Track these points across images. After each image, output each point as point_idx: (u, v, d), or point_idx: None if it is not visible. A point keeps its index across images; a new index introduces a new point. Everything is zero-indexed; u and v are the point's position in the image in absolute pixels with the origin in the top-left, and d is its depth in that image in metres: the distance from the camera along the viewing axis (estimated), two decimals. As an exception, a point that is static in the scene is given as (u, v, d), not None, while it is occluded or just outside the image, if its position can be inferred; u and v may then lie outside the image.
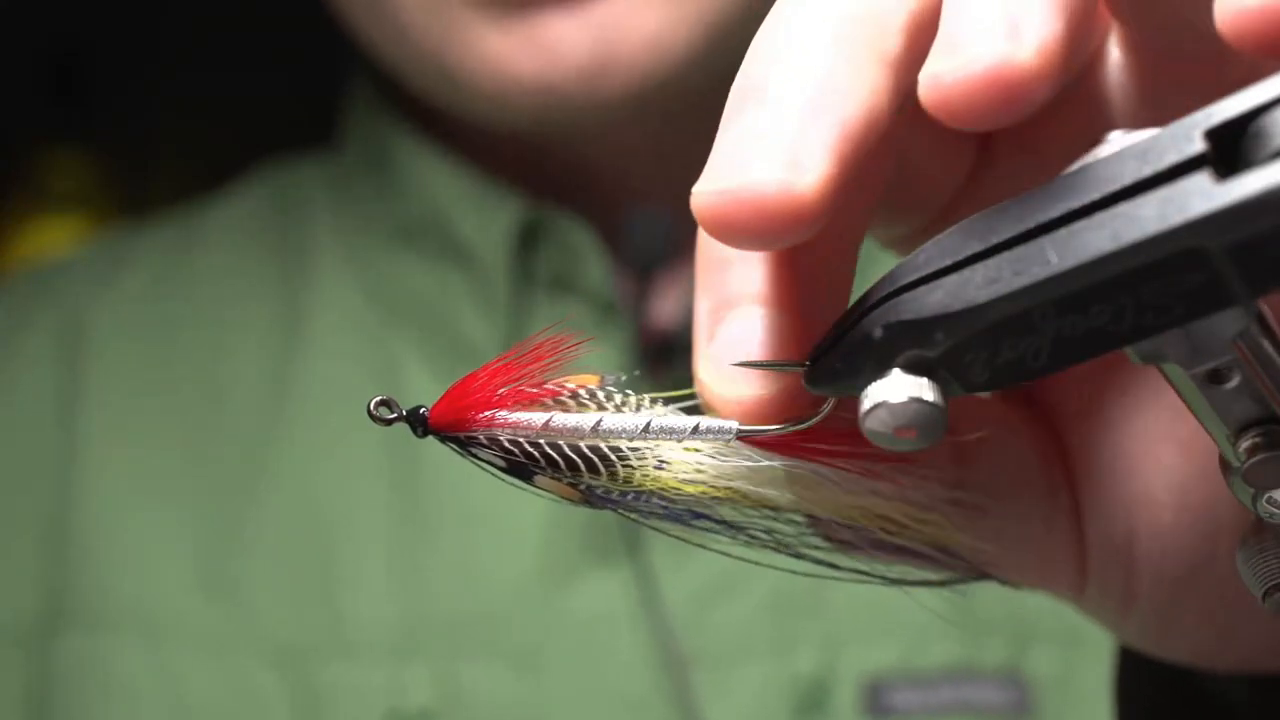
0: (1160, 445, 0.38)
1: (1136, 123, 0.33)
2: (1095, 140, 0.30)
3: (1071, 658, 0.70)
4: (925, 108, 0.29)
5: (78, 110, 1.52)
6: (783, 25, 0.31)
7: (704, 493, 0.34)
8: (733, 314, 0.33)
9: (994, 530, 0.37)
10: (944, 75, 0.28)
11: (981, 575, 0.37)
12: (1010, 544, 0.38)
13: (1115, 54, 0.35)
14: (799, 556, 0.35)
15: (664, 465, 0.34)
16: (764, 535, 0.35)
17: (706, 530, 0.35)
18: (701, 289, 0.34)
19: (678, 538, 0.35)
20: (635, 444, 0.34)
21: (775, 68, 0.31)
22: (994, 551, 0.38)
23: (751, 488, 0.34)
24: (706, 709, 0.68)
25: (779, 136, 0.29)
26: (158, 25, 1.44)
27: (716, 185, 0.30)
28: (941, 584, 0.37)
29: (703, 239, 0.34)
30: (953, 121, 0.29)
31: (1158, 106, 0.34)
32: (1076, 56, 0.32)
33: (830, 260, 0.34)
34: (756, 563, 0.36)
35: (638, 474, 0.34)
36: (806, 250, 0.33)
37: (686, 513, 0.35)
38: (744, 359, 0.32)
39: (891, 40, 0.31)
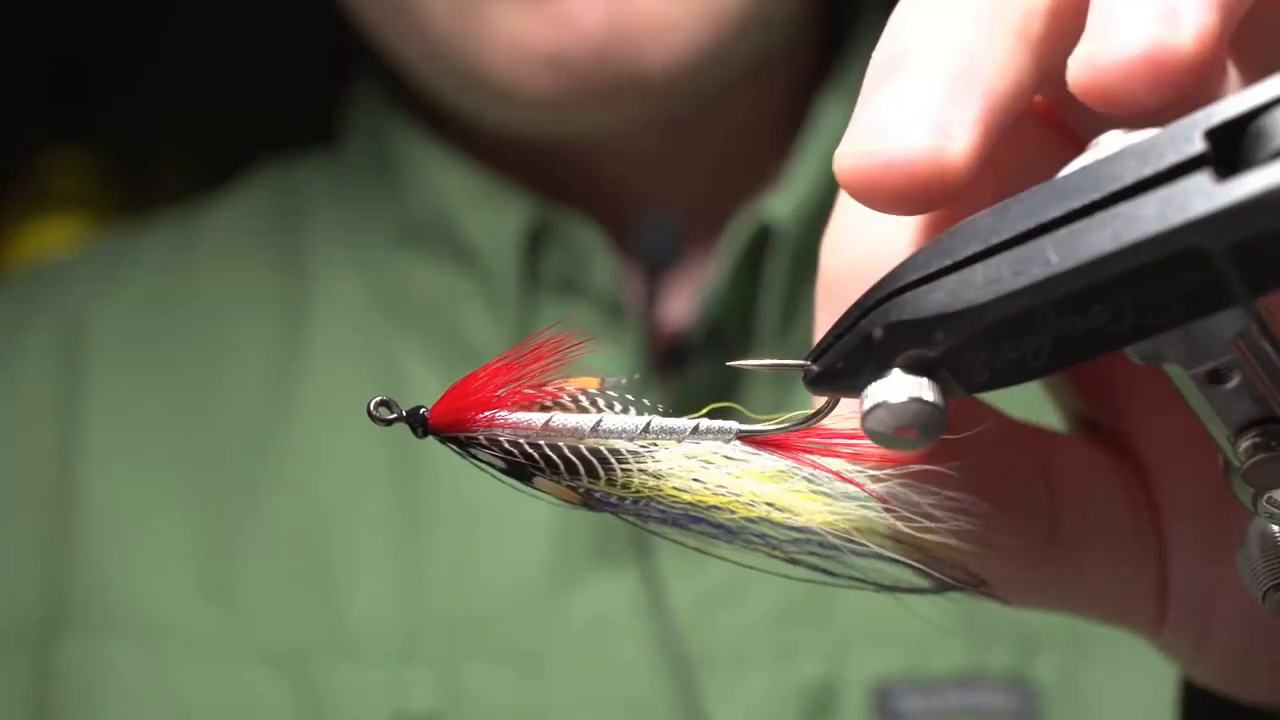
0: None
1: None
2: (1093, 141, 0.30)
3: (1078, 663, 0.70)
4: (1075, 91, 0.29)
5: (78, 110, 1.52)
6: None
7: (700, 500, 0.34)
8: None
9: (1077, 567, 0.38)
10: (1099, 56, 0.29)
11: (976, 585, 0.37)
12: (1096, 585, 0.39)
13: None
14: (795, 562, 0.35)
15: (663, 473, 0.34)
16: (758, 540, 0.35)
17: (704, 535, 0.35)
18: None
19: (676, 541, 0.35)
20: (635, 446, 0.34)
21: (922, 37, 0.31)
22: (1074, 586, 0.38)
23: (749, 497, 0.34)
24: (712, 714, 0.68)
25: (930, 104, 0.30)
26: (158, 25, 1.44)
27: (865, 147, 0.30)
28: (936, 592, 0.37)
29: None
30: (1103, 104, 0.29)
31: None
32: (1224, 49, 0.32)
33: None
34: (753, 568, 0.36)
35: (636, 479, 0.34)
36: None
37: (684, 517, 0.35)
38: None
39: (1036, 21, 0.32)
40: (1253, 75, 0.34)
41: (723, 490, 0.34)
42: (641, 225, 0.72)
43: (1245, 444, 0.32)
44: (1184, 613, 0.40)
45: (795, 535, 0.35)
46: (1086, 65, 0.29)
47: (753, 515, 0.34)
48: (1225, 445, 0.33)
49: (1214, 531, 0.39)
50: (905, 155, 0.30)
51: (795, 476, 0.34)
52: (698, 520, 0.35)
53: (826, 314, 0.36)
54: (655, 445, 0.35)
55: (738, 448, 0.34)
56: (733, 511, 0.34)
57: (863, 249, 0.36)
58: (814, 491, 0.34)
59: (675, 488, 0.34)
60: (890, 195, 0.30)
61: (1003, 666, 0.69)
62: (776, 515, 0.34)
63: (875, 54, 0.32)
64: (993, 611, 0.70)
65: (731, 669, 0.69)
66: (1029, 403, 0.43)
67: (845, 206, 0.37)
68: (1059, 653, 0.70)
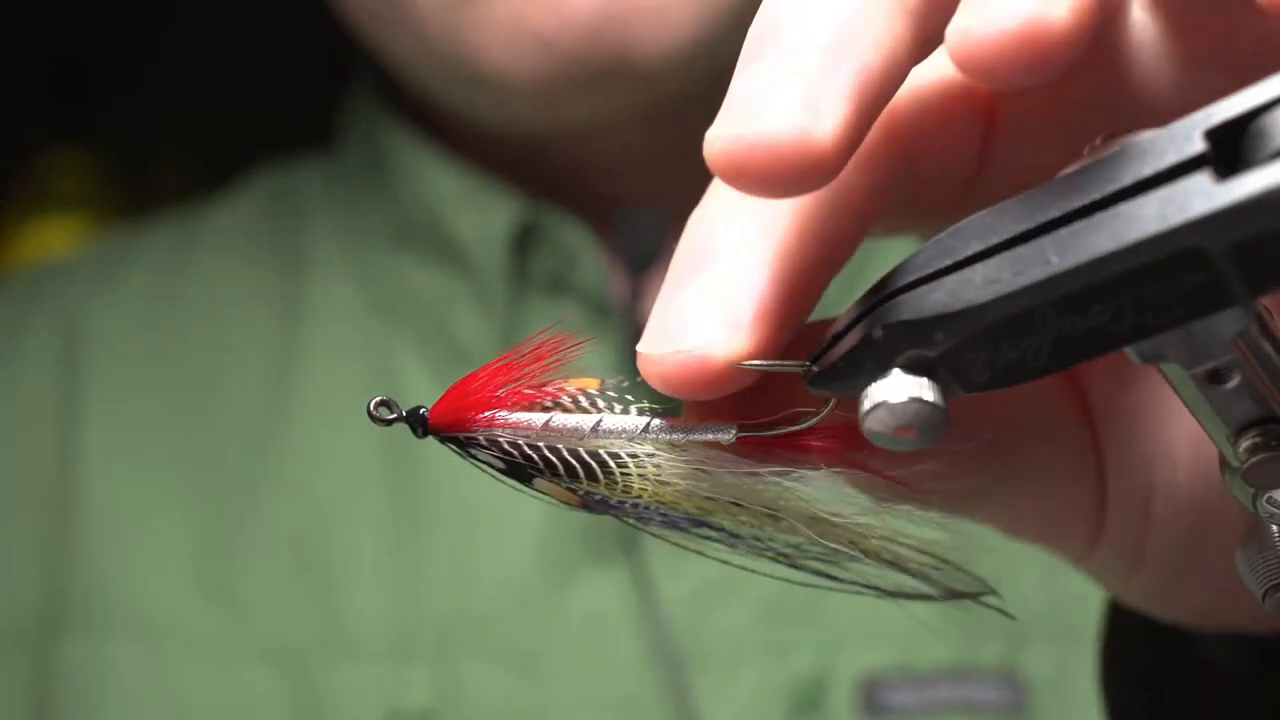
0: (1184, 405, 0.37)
1: (1150, 96, 0.33)
2: (1095, 140, 0.30)
3: (1067, 657, 0.70)
4: (953, 62, 0.29)
5: (78, 111, 1.52)
6: None
7: (700, 506, 0.34)
8: (710, 267, 0.32)
9: (1016, 484, 0.37)
10: (974, 30, 0.28)
11: (977, 593, 0.37)
12: (1029, 499, 0.38)
13: (1137, 18, 0.34)
14: (796, 566, 0.35)
15: (663, 478, 0.34)
16: (759, 544, 0.35)
17: (704, 538, 0.35)
18: (680, 250, 0.34)
19: (676, 544, 0.35)
20: (635, 447, 0.34)
21: (793, 12, 0.30)
22: (1014, 504, 0.38)
23: (749, 500, 0.34)
24: (703, 710, 0.68)
25: (797, 81, 0.29)
26: (158, 25, 1.44)
27: (732, 130, 0.29)
28: (936, 598, 0.37)
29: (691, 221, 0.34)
30: (980, 78, 0.29)
31: (1175, 79, 0.34)
32: (1105, 17, 0.31)
33: (831, 232, 0.33)
34: (755, 571, 0.35)
35: (636, 483, 0.34)
36: (810, 216, 0.32)
37: (684, 520, 0.35)
38: (709, 311, 0.31)
39: None
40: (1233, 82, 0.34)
41: (722, 494, 0.34)
42: (627, 224, 0.72)
43: (1245, 444, 0.32)
44: (1119, 524, 0.38)
45: (795, 539, 0.35)
46: (961, 38, 0.28)
47: (753, 518, 0.34)
48: (1225, 445, 0.33)
49: (1148, 437, 0.38)
50: (770, 137, 0.28)
51: (795, 483, 0.34)
52: (699, 524, 0.35)
53: (666, 289, 0.34)
54: (655, 446, 0.34)
55: (738, 448, 0.34)
56: (733, 515, 0.34)
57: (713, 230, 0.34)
58: (812, 493, 0.34)
59: (675, 493, 0.34)
60: (759, 178, 0.29)
61: (992, 660, 0.69)
62: (776, 519, 0.34)
63: (751, 27, 0.31)
64: (982, 606, 0.70)
65: (723, 666, 0.69)
66: None
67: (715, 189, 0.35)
68: (1049, 646, 0.70)
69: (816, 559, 0.35)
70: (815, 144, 0.28)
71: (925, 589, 0.36)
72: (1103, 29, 0.33)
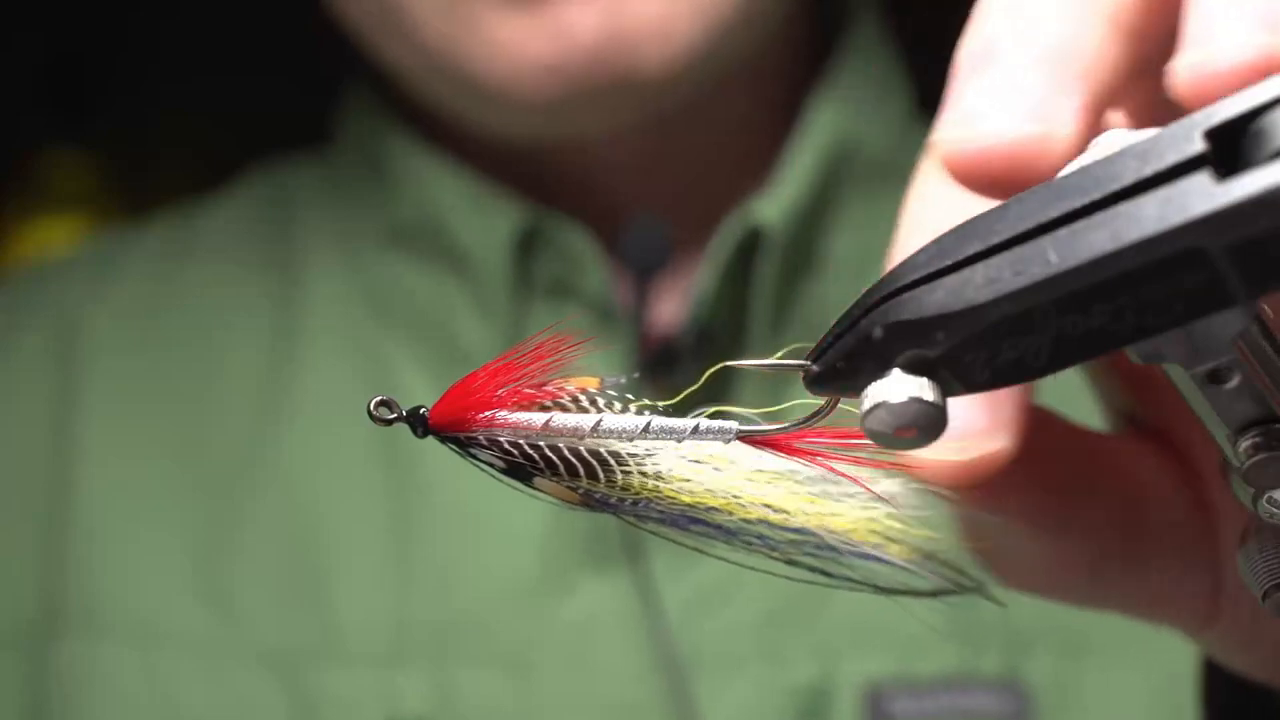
0: None
1: None
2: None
3: (1069, 666, 0.70)
4: (1177, 96, 0.30)
5: (78, 111, 1.52)
6: None
7: (700, 502, 0.34)
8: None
9: (1135, 567, 0.38)
10: (1206, 63, 0.29)
11: (973, 589, 0.37)
12: (1153, 586, 0.39)
13: None
14: (793, 563, 0.35)
15: (663, 475, 0.34)
16: (757, 541, 0.35)
17: (703, 535, 0.35)
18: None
19: (675, 542, 0.35)
20: (635, 446, 0.34)
21: (1013, 25, 0.32)
22: (1130, 586, 0.39)
23: (747, 499, 0.34)
24: (704, 717, 0.68)
25: (1032, 92, 0.31)
26: (158, 26, 1.44)
27: (967, 133, 0.31)
28: (933, 595, 0.37)
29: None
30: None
31: None
32: None
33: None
34: (753, 568, 0.36)
35: (636, 480, 0.34)
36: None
37: (683, 518, 0.35)
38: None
39: (1127, 11, 0.32)
40: None
41: (722, 492, 0.34)
42: (629, 230, 0.72)
43: (1245, 444, 0.32)
44: (1234, 610, 0.40)
45: (793, 536, 0.35)
46: (1193, 72, 0.30)
47: (751, 516, 0.34)
48: (1225, 445, 0.33)
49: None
50: (1010, 139, 0.31)
51: (794, 478, 0.34)
52: (697, 521, 0.35)
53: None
54: (655, 446, 0.35)
55: (737, 448, 0.34)
56: (731, 513, 0.34)
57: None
58: (812, 493, 0.34)
59: (674, 489, 0.34)
60: (990, 177, 0.31)
61: (994, 668, 0.69)
62: (774, 517, 0.34)
63: (965, 43, 0.33)
64: (984, 613, 0.70)
65: (723, 672, 0.69)
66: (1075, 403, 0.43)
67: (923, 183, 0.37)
68: (1050, 654, 0.70)
69: (813, 555, 0.35)
70: (1051, 147, 0.31)
71: (920, 586, 0.36)
72: None
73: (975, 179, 0.31)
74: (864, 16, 0.80)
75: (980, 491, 0.34)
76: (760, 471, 0.34)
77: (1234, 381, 0.32)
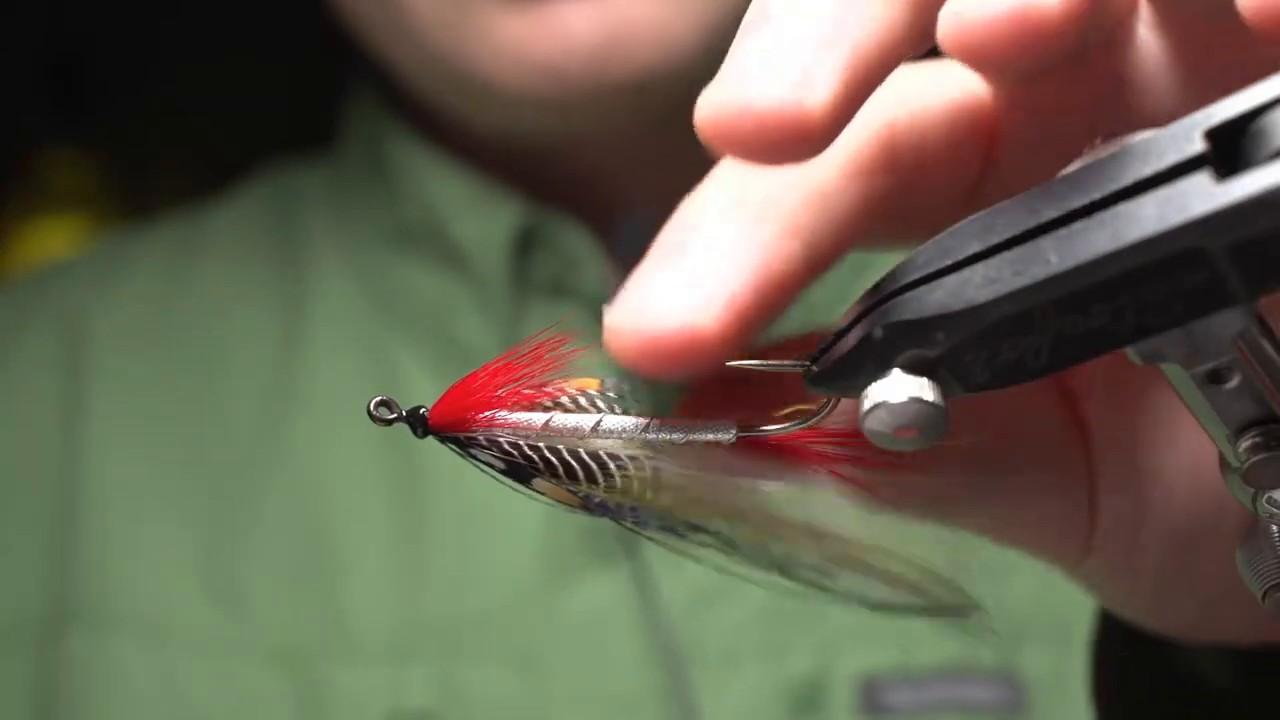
0: (1180, 423, 0.38)
1: (1158, 108, 0.33)
2: (1095, 140, 0.30)
3: (1064, 657, 0.70)
4: (943, 46, 0.29)
5: (78, 110, 1.52)
6: None
7: (698, 511, 0.34)
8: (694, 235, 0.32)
9: (1005, 495, 0.37)
10: (966, 12, 0.29)
11: (968, 611, 0.37)
12: (1021, 511, 0.38)
13: (1143, 35, 0.34)
14: (790, 576, 0.35)
15: (661, 483, 0.34)
16: (753, 552, 0.35)
17: (701, 544, 0.35)
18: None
19: (672, 550, 0.35)
20: (634, 450, 0.34)
21: None
22: (1002, 514, 0.38)
23: (746, 506, 0.34)
24: (704, 709, 0.68)
25: (791, 55, 0.29)
26: (159, 25, 1.44)
27: (723, 97, 0.30)
28: (926, 614, 0.37)
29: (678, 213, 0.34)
30: (968, 60, 0.29)
31: (1182, 93, 0.34)
32: (1102, 12, 0.32)
33: (817, 234, 0.33)
34: (747, 580, 0.35)
35: (635, 486, 0.34)
36: (797, 215, 0.33)
37: (681, 525, 0.35)
38: (680, 292, 0.31)
39: None
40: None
41: (720, 504, 0.34)
42: (628, 229, 0.72)
43: (1245, 444, 0.32)
44: (1110, 539, 0.39)
45: (788, 549, 0.35)
46: (953, 20, 0.29)
47: (748, 531, 0.34)
48: (1225, 445, 0.33)
49: (1143, 457, 0.38)
50: (762, 104, 0.29)
51: (791, 490, 0.34)
52: (696, 530, 0.35)
53: (646, 267, 0.34)
54: (654, 449, 0.35)
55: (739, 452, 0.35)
56: (729, 524, 0.34)
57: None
58: (808, 509, 0.34)
59: (674, 498, 0.34)
60: (747, 144, 0.29)
61: (990, 660, 0.70)
62: (766, 533, 0.34)
63: (750, 7, 0.31)
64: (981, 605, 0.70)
65: (722, 665, 0.69)
66: None
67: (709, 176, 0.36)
68: (1046, 645, 0.70)
69: (809, 569, 0.35)
70: (805, 112, 0.29)
71: (915, 603, 0.36)
72: (1104, 36, 0.33)
73: (727, 144, 0.30)
74: None
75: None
76: (758, 479, 0.34)
77: (1234, 381, 0.32)
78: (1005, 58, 0.29)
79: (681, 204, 0.33)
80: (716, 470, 0.34)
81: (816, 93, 0.29)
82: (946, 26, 0.29)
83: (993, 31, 0.28)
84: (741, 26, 0.31)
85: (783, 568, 0.35)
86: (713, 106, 0.30)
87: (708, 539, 0.35)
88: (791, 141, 0.29)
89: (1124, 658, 0.44)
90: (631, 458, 0.34)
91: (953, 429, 0.32)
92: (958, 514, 0.37)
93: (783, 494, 0.34)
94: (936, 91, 0.35)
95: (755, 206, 0.32)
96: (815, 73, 0.29)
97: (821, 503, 0.34)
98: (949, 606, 0.36)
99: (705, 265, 0.31)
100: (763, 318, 0.31)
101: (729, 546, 0.35)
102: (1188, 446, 0.38)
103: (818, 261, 0.32)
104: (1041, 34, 0.28)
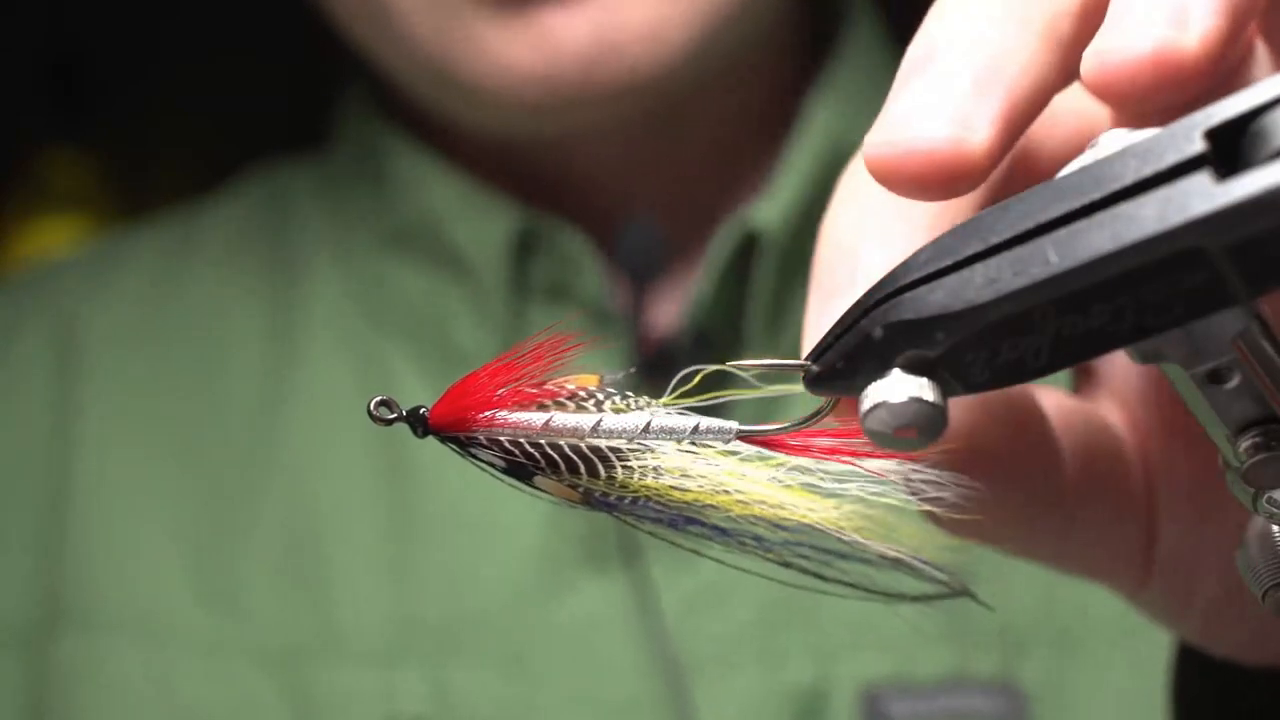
0: None
1: None
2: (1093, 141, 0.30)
3: (1065, 666, 0.70)
4: (1086, 84, 0.31)
5: (78, 110, 1.52)
6: None
7: (696, 499, 0.34)
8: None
9: (1072, 524, 0.38)
10: (1108, 53, 0.30)
11: (966, 592, 0.37)
12: (1087, 539, 0.39)
13: (1259, 72, 0.36)
14: (787, 565, 0.36)
15: (660, 471, 0.34)
16: (753, 543, 0.35)
17: (699, 536, 0.35)
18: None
19: (672, 542, 0.36)
20: (635, 445, 0.34)
21: (952, 34, 0.33)
22: (1066, 543, 0.39)
23: (743, 494, 0.34)
24: (701, 717, 0.68)
25: (953, 99, 0.32)
26: (159, 25, 1.44)
27: (890, 136, 0.32)
28: (925, 599, 0.37)
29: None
30: (1111, 99, 0.31)
31: None
32: (1235, 54, 0.34)
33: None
34: (748, 571, 0.36)
35: (635, 478, 0.34)
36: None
37: (680, 518, 0.35)
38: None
39: (1063, 21, 0.33)
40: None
41: (719, 488, 0.34)
42: (626, 233, 0.72)
43: (1245, 444, 0.32)
44: (1169, 570, 0.40)
45: (788, 537, 0.35)
46: (1096, 61, 0.31)
47: (748, 514, 0.34)
48: (1225, 445, 0.33)
49: (1204, 489, 0.39)
50: (928, 144, 0.31)
51: (791, 475, 0.34)
52: (693, 521, 0.35)
53: (816, 303, 0.37)
54: (654, 444, 0.35)
55: (737, 446, 0.35)
56: (728, 510, 0.34)
57: (856, 239, 0.37)
58: (808, 488, 0.34)
59: (672, 486, 0.34)
60: (914, 181, 0.32)
61: (990, 670, 0.69)
62: (770, 512, 0.34)
63: (910, 49, 0.34)
64: (980, 615, 0.70)
65: (720, 672, 0.69)
66: None
67: (842, 197, 0.39)
68: (1046, 655, 0.70)
69: (807, 558, 0.35)
70: (967, 153, 0.32)
71: (911, 590, 0.36)
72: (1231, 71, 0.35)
73: (895, 181, 0.32)
74: (859, 16, 0.80)
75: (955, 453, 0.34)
76: (758, 466, 0.34)
77: (1234, 381, 0.32)
78: (1146, 96, 0.30)
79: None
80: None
81: (977, 135, 0.32)
82: (1090, 67, 0.31)
83: (1135, 73, 0.30)
84: (905, 62, 0.34)
85: (781, 558, 0.36)
86: (881, 147, 0.32)
87: (706, 530, 0.35)
88: (954, 179, 0.32)
89: (1193, 679, 0.45)
90: (633, 450, 0.34)
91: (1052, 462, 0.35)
92: (1028, 549, 0.39)
93: (780, 484, 0.34)
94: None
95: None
96: (975, 117, 0.32)
97: (821, 488, 0.34)
98: (944, 591, 0.37)
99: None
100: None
101: (727, 537, 0.35)
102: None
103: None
104: (1181, 73, 0.30)
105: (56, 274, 0.85)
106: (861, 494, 0.34)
